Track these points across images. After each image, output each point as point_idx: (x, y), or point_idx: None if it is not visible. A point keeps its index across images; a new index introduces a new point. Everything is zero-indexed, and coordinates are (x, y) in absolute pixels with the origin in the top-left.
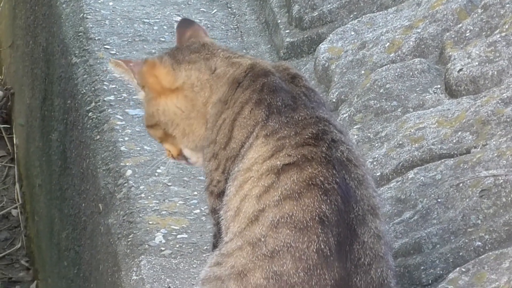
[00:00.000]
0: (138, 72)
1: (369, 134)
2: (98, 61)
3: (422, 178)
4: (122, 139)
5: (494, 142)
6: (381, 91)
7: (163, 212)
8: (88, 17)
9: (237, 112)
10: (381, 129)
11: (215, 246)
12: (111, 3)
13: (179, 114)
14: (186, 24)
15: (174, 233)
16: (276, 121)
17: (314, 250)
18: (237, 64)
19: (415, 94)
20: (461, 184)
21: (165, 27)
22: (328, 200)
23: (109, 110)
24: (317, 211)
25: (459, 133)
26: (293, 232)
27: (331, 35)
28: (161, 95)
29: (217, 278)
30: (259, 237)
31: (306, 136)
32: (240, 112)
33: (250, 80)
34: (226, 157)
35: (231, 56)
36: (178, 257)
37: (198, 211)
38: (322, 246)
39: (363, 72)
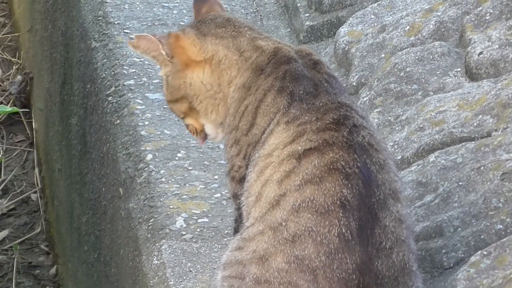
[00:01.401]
0: (166, 44)
1: (389, 118)
2: (117, 45)
3: (443, 161)
4: (142, 124)
5: None
6: (401, 74)
7: (184, 197)
8: (108, 1)
9: (260, 99)
10: (401, 113)
11: (236, 230)
12: None
13: (204, 90)
14: (201, 1)
15: (195, 217)
16: (298, 108)
17: (336, 234)
18: (260, 48)
19: (436, 78)
20: (482, 167)
21: (184, 11)
22: (349, 184)
23: (129, 95)
24: (338, 195)
25: (480, 116)
26: (314, 216)
27: (351, 18)
28: (188, 66)
29: (239, 263)
30: (280, 221)
31: (327, 121)
32: (263, 100)
33: (272, 67)
34: (248, 143)
35: (256, 37)
36: (199, 241)
37: (218, 195)
38: (344, 230)
39: (383, 55)
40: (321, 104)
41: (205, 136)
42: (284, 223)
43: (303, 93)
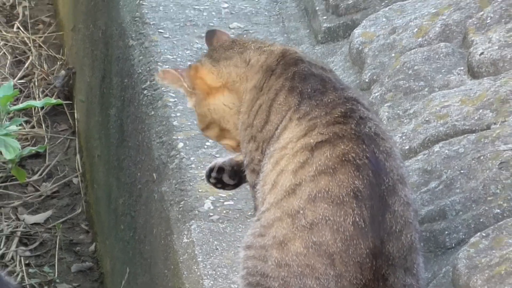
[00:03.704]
0: (187, 76)
1: (398, 111)
2: (152, 44)
3: (446, 151)
4: (174, 115)
5: None
6: (409, 72)
7: None
8: (144, 3)
9: (272, 98)
10: (409, 107)
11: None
12: None
13: (227, 110)
14: (211, 34)
15: (222, 200)
16: (307, 105)
17: (350, 223)
18: (268, 51)
19: (441, 75)
20: (482, 157)
21: (213, 13)
22: (361, 176)
23: (162, 88)
24: (352, 186)
25: (480, 110)
26: (331, 206)
27: (364, 21)
28: (209, 94)
29: (261, 247)
30: (298, 209)
31: (336, 115)
32: (275, 99)
33: (282, 68)
34: (263, 139)
35: (261, 46)
36: (225, 222)
37: None
38: (357, 219)
39: (393, 55)
40: (329, 100)
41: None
42: (301, 211)
43: (311, 91)
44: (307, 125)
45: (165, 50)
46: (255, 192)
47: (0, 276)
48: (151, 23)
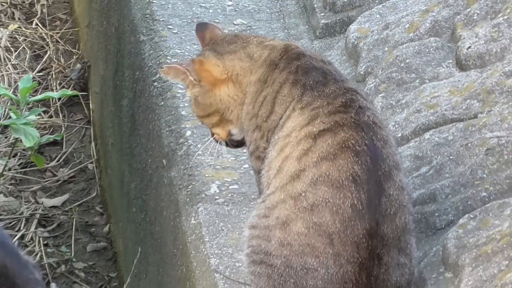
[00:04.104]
0: (192, 70)
1: (391, 102)
2: (162, 39)
3: (436, 138)
4: (182, 105)
5: (497, 109)
6: (401, 65)
7: (217, 167)
8: (154, 1)
9: (276, 90)
10: (401, 97)
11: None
12: None
13: (232, 102)
14: (202, 27)
15: (227, 184)
16: (310, 95)
17: (349, 205)
18: (270, 46)
19: (431, 68)
20: (469, 144)
21: (218, 10)
22: (359, 161)
23: (171, 80)
24: (351, 171)
25: (468, 101)
26: (331, 189)
27: (359, 17)
28: (215, 86)
29: (265, 227)
30: (300, 192)
31: (337, 105)
32: (279, 91)
33: (285, 62)
34: (268, 128)
35: (263, 41)
36: (230, 204)
37: (246, 166)
38: (355, 202)
39: (386, 49)
40: (330, 91)
41: (227, 141)
42: (303, 194)
43: (313, 82)
44: (309, 115)
45: (174, 45)
46: (260, 177)
47: (20, 255)
48: (161, 19)
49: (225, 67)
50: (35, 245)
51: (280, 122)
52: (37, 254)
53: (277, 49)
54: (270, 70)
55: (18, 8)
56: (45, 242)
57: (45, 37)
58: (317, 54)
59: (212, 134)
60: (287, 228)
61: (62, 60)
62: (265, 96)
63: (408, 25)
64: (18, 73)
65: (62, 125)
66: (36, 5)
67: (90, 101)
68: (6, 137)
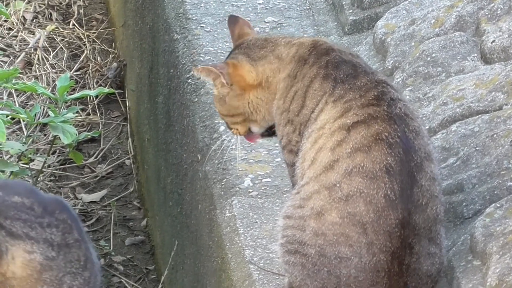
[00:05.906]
0: (226, 74)
1: (418, 95)
2: (195, 37)
3: (463, 130)
4: None
5: None
6: (428, 59)
7: (251, 161)
8: (187, 1)
9: (307, 85)
10: (428, 91)
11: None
12: None
13: (261, 103)
14: (233, 20)
15: (260, 178)
16: (341, 88)
17: (382, 196)
18: (297, 43)
19: (456, 62)
20: (495, 135)
21: (249, 8)
22: (393, 153)
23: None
24: (384, 162)
25: (493, 93)
26: (365, 180)
27: (386, 13)
28: (245, 90)
29: (300, 218)
30: (335, 183)
31: (370, 98)
32: (310, 85)
33: (315, 57)
34: (300, 122)
35: (290, 40)
36: (263, 197)
37: (279, 159)
38: (389, 192)
39: (413, 44)
40: (361, 84)
41: (251, 135)
42: (338, 185)
43: (343, 76)
44: (342, 107)
45: (207, 43)
46: (293, 170)
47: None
48: (194, 18)
49: (258, 74)
50: None
51: (313, 115)
52: None
53: (305, 45)
54: (299, 66)
55: (56, 9)
56: None
57: (82, 37)
58: (345, 48)
59: (230, 128)
60: (321, 218)
61: (98, 59)
62: (295, 91)
63: (433, 20)
64: (56, 73)
65: (100, 123)
66: (73, 6)
67: (127, 99)
68: (45, 135)
